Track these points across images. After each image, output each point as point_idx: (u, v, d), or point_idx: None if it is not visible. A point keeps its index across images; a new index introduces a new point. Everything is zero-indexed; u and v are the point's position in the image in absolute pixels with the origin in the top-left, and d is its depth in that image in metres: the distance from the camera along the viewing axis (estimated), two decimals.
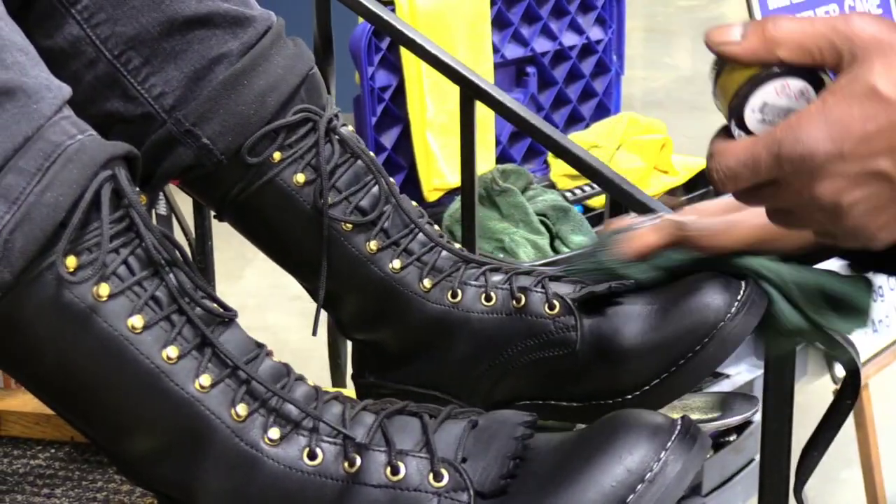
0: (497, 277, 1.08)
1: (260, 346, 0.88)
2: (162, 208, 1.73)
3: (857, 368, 1.08)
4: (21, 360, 0.85)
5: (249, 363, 0.86)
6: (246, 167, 1.05)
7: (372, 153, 1.11)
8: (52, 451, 1.28)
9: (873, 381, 2.23)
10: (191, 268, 0.87)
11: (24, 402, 1.30)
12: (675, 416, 0.82)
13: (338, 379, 1.54)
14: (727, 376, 2.04)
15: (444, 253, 1.09)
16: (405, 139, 2.11)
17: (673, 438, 0.80)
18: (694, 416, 0.91)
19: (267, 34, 1.06)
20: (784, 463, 1.14)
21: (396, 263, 1.07)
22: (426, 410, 0.88)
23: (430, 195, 2.13)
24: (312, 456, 0.84)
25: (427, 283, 1.07)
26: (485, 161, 2.16)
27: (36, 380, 0.87)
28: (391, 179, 1.10)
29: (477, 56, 2.19)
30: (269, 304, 3.31)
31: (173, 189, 1.66)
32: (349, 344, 1.19)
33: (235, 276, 3.43)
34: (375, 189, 1.08)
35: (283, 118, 1.05)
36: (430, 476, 0.83)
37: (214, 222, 1.22)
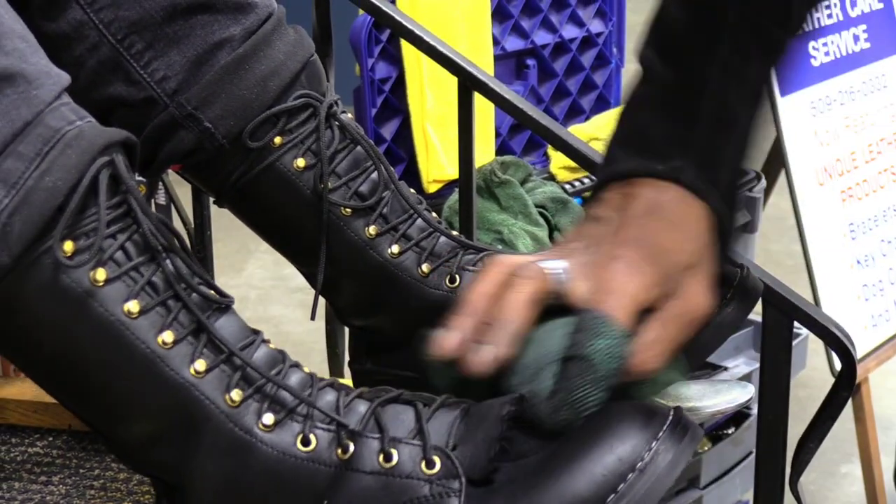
0: None
1: (256, 332, 0.88)
2: (161, 197, 1.73)
3: (852, 359, 1.08)
4: (19, 344, 0.85)
5: (245, 349, 0.86)
6: (247, 151, 1.05)
7: (371, 140, 1.11)
8: (50, 438, 1.28)
9: (873, 375, 2.23)
10: (188, 254, 0.87)
11: (22, 390, 1.30)
12: (668, 404, 0.82)
13: (335, 368, 1.55)
14: (725, 368, 2.04)
15: (443, 239, 1.09)
16: (405, 131, 2.11)
17: (664, 428, 0.80)
18: (687, 405, 0.91)
19: (269, 20, 1.07)
20: (780, 455, 1.15)
21: (395, 248, 1.08)
22: (420, 399, 0.88)
23: (430, 187, 2.12)
24: (306, 442, 0.85)
25: (425, 268, 1.08)
26: (484, 153, 2.15)
27: (34, 364, 0.87)
28: (390, 167, 1.11)
29: (477, 48, 2.18)
30: (272, 297, 3.31)
31: (173, 178, 1.67)
32: (347, 333, 1.19)
33: (237, 268, 3.43)
34: (375, 175, 1.08)
35: (284, 103, 1.05)
36: (423, 463, 0.83)
37: (214, 212, 1.23)
